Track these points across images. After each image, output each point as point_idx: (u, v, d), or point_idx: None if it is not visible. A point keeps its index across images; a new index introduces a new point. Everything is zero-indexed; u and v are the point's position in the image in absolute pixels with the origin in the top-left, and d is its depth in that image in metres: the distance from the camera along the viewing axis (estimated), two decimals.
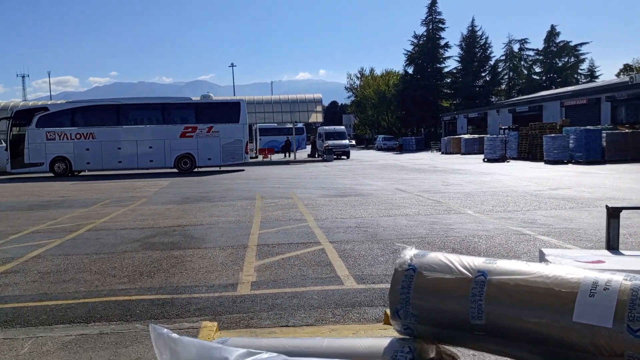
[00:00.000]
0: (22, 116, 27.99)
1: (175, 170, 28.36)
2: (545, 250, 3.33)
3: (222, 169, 29.44)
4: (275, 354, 2.03)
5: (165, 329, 2.20)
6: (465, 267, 2.45)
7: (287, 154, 44.53)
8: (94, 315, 5.04)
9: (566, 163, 27.43)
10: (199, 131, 28.04)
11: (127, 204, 14.06)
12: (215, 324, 4.58)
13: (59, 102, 34.97)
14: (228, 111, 28.55)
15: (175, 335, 2.17)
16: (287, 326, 4.68)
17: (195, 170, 28.56)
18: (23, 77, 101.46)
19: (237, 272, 6.56)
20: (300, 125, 55.18)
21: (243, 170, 29.23)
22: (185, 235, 9.25)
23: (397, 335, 2.69)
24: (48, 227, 10.58)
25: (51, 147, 27.50)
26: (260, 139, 49.07)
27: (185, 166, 28.24)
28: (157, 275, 6.49)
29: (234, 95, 54.28)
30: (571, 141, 27.98)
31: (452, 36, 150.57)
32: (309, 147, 61.45)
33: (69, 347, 4.13)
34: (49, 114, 28.02)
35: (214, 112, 28.70)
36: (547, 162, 28.27)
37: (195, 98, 30.11)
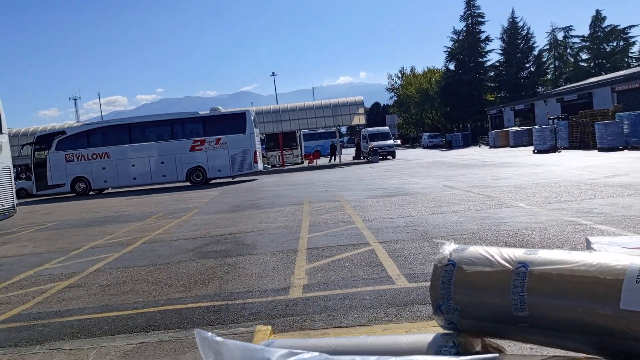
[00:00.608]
0: (43, 141, 29.48)
1: (188, 183, 28.85)
2: (592, 239, 3.23)
3: (236, 179, 30.00)
4: (317, 354, 2.05)
5: (210, 333, 2.26)
6: (505, 259, 2.41)
7: (333, 158, 44.65)
8: (153, 324, 5.19)
9: (621, 149, 26.37)
10: (207, 144, 28.51)
11: (180, 215, 14.42)
12: (269, 327, 4.65)
13: (79, 124, 36.17)
14: (234, 122, 28.90)
15: (219, 338, 2.23)
16: (340, 327, 4.69)
17: (209, 182, 29.04)
18: (75, 99, 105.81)
19: (288, 276, 6.63)
20: (342, 128, 55.00)
21: (256, 179, 29.62)
22: (236, 242, 9.40)
23: (441, 330, 2.67)
24: (106, 242, 10.97)
25: (71, 168, 28.80)
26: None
27: (197, 179, 28.71)
28: (211, 283, 6.62)
29: (277, 103, 54.80)
30: (625, 127, 26.89)
31: (493, 29, 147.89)
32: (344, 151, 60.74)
33: (130, 355, 4.27)
34: (67, 137, 29.36)
35: (220, 124, 29.13)
36: (601, 149, 27.25)
37: (204, 112, 30.54)
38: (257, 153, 28.87)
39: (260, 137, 45.77)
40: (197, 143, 28.53)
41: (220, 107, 30.64)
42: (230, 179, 29.83)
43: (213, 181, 29.66)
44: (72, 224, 15.03)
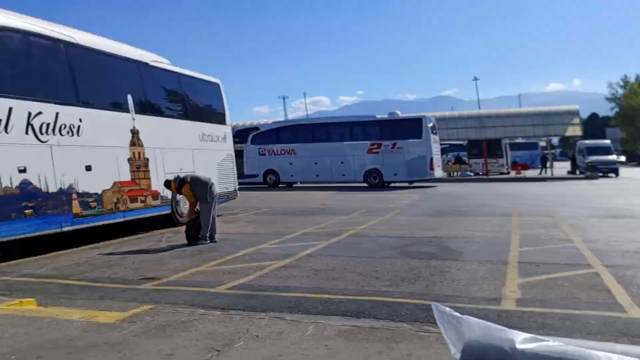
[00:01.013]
0: (241, 135, 32.07)
1: (365, 184, 29.28)
2: None
3: (414, 184, 29.54)
4: (564, 343, 1.90)
5: (448, 308, 2.24)
6: None
7: (544, 170, 41.57)
8: (363, 312, 5.34)
9: None
10: (383, 147, 28.67)
11: (382, 214, 14.71)
12: None
13: (269, 122, 38.23)
14: (411, 127, 28.54)
15: (457, 314, 2.20)
16: None
17: (385, 185, 29.15)
18: (284, 98, 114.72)
19: (499, 287, 6.30)
20: (553, 139, 50.75)
21: (435, 186, 28.83)
22: (441, 246, 9.26)
23: None
24: (314, 230, 11.68)
25: (263, 161, 31.30)
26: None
27: (375, 181, 29.10)
28: (417, 282, 6.61)
29: (479, 109, 52.92)
30: None
31: None
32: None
33: (345, 335, 4.47)
34: (260, 132, 32.04)
35: (397, 128, 29.03)
36: None
37: (382, 115, 30.46)
38: (434, 160, 28.32)
39: (462, 144, 44.48)
40: (374, 146, 29.15)
41: (398, 112, 30.75)
42: (407, 184, 29.82)
43: (392, 184, 29.87)
44: (284, 211, 16.33)
